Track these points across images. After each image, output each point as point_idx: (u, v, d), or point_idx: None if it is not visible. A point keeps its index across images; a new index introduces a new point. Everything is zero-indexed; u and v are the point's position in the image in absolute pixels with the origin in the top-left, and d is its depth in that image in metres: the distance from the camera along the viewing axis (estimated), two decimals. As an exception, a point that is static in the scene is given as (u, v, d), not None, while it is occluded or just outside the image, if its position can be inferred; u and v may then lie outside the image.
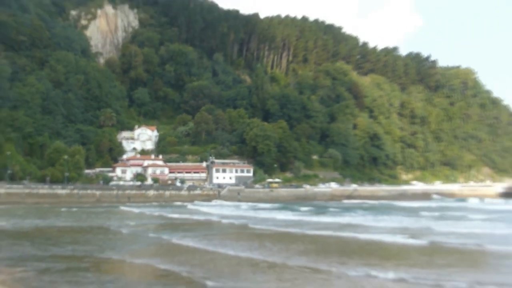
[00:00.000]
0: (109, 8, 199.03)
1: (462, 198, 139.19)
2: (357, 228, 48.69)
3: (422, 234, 42.17)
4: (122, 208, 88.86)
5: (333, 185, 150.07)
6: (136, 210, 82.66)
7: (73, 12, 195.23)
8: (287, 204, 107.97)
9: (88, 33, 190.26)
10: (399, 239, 39.37)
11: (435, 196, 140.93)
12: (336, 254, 31.94)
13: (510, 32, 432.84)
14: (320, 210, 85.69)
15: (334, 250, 34.24)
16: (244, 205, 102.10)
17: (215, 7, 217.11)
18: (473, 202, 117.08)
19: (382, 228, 48.60)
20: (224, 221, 59.88)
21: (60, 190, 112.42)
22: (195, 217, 66.51)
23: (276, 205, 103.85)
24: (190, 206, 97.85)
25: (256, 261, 28.67)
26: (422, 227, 49.23)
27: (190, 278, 23.14)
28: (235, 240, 40.88)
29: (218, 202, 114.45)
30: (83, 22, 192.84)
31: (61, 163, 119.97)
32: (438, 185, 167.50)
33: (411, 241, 37.99)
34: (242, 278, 23.58)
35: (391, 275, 24.08)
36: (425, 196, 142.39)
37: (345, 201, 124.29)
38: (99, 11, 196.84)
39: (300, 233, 45.13)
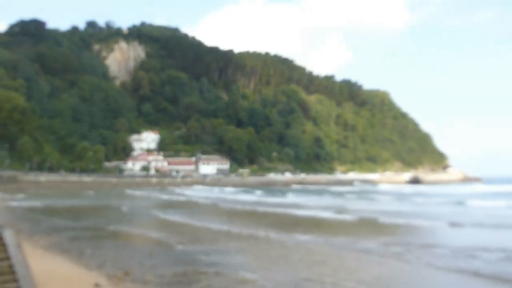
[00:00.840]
0: (123, 44, 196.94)
1: (377, 184, 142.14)
2: (300, 206, 48.28)
3: (344, 210, 42.13)
4: (131, 191, 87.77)
5: (287, 174, 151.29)
6: (139, 193, 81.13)
7: (96, 46, 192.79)
8: (253, 188, 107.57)
9: (107, 62, 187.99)
10: (327, 214, 39.49)
11: (356, 182, 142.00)
12: (283, 225, 31.92)
13: (413, 64, 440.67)
14: (275, 192, 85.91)
15: (282, 223, 34.24)
16: (217, 189, 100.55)
17: (201, 44, 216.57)
18: (385, 187, 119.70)
19: (317, 206, 48.38)
20: (203, 201, 58.31)
21: (86, 178, 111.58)
22: (181, 198, 65.76)
23: (242, 188, 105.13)
24: (177, 190, 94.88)
25: (219, 230, 28.55)
26: (344, 204, 49.65)
27: (168, 243, 23.41)
28: (208, 215, 40.39)
29: (201, 187, 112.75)
30: (104, 54, 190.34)
31: (87, 158, 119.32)
32: (364, 175, 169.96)
33: (336, 216, 37.87)
34: (206, 243, 23.74)
35: (320, 239, 24.55)
36: (352, 182, 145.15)
37: (296, 186, 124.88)
38: (116, 46, 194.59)
39: (258, 210, 44.65)
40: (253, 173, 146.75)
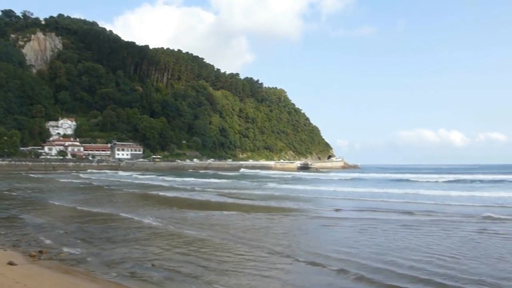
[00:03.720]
0: (40, 34, 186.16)
1: (269, 168, 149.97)
2: (203, 187, 45.70)
3: (236, 191, 39.62)
4: (41, 176, 76.70)
5: (196, 160, 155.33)
6: (48, 177, 71.88)
7: (13, 35, 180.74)
8: (163, 172, 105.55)
9: (24, 51, 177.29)
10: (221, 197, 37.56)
11: (242, 169, 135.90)
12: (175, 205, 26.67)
13: (306, 66, 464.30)
14: (185, 176, 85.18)
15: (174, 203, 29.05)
16: (126, 173, 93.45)
17: (118, 38, 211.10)
18: (276, 172, 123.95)
19: (213, 188, 44.87)
20: (106, 184, 50.89)
21: (1, 162, 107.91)
22: (84, 181, 58.76)
23: (149, 172, 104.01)
24: (82, 175, 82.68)
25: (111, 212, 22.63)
26: (238, 187, 48.05)
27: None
28: (106, 197, 33.88)
29: (110, 172, 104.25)
30: (20, 43, 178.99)
31: (1, 142, 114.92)
32: (262, 162, 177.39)
33: (224, 199, 32.43)
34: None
35: (201, 213, 21.72)
36: (253, 168, 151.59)
37: (203, 171, 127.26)
38: (33, 36, 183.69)
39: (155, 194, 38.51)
40: (164, 158, 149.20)
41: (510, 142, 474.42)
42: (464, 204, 25.61)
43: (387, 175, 79.51)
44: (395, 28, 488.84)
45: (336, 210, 23.45)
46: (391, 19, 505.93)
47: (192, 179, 64.20)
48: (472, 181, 55.43)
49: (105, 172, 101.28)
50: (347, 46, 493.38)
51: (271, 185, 49.10)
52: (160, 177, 69.72)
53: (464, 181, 56.07)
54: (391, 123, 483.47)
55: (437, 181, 55.92)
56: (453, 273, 10.02)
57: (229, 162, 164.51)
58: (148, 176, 74.03)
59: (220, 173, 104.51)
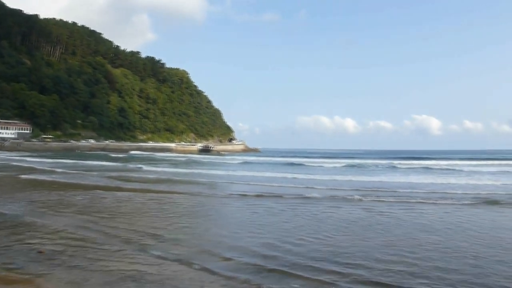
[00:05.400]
0: None
1: (169, 150, 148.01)
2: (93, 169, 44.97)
3: (124, 174, 37.24)
4: None
5: (92, 141, 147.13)
6: None
7: None
8: (55, 153, 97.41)
9: None
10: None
11: (134, 151, 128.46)
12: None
13: (210, 48, 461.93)
14: (81, 157, 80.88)
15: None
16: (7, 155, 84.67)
17: (3, 5, 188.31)
18: (176, 154, 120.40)
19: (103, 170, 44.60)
20: None
21: None
22: None
23: (37, 153, 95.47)
24: None
25: None
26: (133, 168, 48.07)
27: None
28: None
29: None
30: None
31: None
32: (162, 143, 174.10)
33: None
34: None
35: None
36: (153, 149, 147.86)
37: (100, 152, 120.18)
38: None
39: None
40: (57, 139, 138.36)
41: (396, 130, 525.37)
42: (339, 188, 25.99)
43: (283, 159, 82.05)
44: (298, 15, 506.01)
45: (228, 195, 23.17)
46: (294, 7, 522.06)
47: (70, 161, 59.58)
48: (361, 166, 59.36)
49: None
50: (251, 30, 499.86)
51: (163, 169, 47.18)
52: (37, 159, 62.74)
53: (359, 165, 59.33)
54: (290, 108, 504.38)
55: (330, 166, 58.95)
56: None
57: (128, 143, 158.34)
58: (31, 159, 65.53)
59: (113, 155, 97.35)
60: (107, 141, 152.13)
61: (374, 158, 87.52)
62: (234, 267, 8.61)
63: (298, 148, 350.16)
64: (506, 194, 22.27)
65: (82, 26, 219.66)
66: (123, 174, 36.98)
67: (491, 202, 19.10)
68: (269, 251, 9.97)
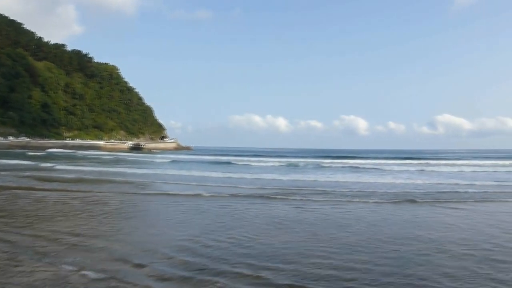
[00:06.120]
0: None
1: (98, 148, 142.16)
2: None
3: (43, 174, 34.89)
4: None
5: (11, 138, 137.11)
6: None
7: None
8: None
9: None
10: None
11: (50, 150, 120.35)
12: None
13: (143, 45, 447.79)
14: None
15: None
16: None
17: None
18: (103, 152, 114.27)
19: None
20: None
21: None
22: None
23: None
24: None
25: None
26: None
27: None
28: None
29: None
30: None
31: None
32: (90, 141, 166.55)
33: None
34: None
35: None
36: (81, 147, 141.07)
37: (19, 150, 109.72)
38: None
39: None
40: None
41: (326, 129, 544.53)
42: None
43: (213, 157, 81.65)
44: (231, 13, 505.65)
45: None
46: (228, 4, 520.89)
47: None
48: (291, 164, 60.93)
49: None
50: (185, 27, 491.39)
51: (80, 168, 44.44)
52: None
53: (290, 164, 60.43)
54: (223, 107, 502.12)
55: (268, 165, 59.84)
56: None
57: (52, 141, 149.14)
58: None
59: (30, 153, 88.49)
60: (28, 139, 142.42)
61: (305, 157, 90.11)
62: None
63: (231, 147, 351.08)
64: (423, 192, 24.09)
65: (0, 15, 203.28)
66: (51, 175, 34.05)
67: (410, 200, 20.36)
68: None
